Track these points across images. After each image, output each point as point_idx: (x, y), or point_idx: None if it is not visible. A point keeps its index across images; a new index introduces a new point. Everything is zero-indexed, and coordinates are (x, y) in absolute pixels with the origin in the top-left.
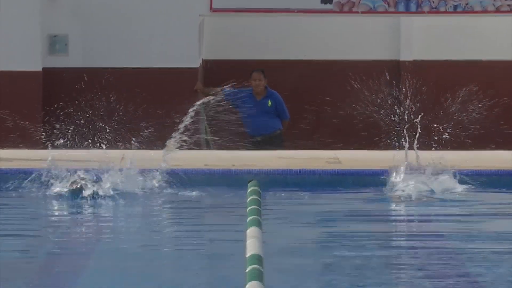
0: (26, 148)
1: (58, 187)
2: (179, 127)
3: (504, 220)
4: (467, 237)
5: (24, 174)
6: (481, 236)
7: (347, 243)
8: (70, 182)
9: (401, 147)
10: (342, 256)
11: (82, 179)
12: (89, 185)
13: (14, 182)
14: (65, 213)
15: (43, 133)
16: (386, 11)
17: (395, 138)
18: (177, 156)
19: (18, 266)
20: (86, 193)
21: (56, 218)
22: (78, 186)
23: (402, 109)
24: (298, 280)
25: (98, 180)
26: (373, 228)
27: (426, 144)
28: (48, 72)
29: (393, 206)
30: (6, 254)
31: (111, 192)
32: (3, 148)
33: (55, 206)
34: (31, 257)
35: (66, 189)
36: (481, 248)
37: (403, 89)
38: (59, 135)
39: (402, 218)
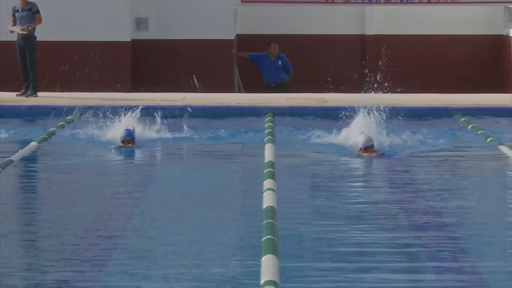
0: (121, 92)
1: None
2: None
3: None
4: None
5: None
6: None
7: (326, 151)
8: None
9: (365, 91)
10: (320, 152)
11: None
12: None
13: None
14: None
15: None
16: (356, 2)
17: (362, 86)
18: (220, 97)
19: None
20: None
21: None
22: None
23: (367, 66)
24: (298, 175)
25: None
26: (335, 135)
27: (386, 89)
28: (135, 42)
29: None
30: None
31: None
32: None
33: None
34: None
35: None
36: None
37: (368, 53)
38: (145, 85)
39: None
